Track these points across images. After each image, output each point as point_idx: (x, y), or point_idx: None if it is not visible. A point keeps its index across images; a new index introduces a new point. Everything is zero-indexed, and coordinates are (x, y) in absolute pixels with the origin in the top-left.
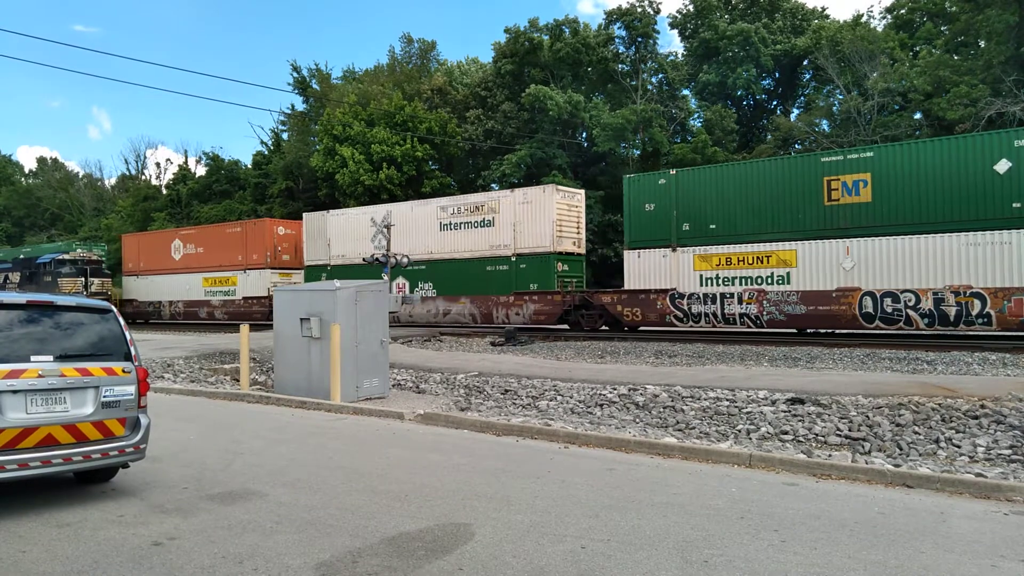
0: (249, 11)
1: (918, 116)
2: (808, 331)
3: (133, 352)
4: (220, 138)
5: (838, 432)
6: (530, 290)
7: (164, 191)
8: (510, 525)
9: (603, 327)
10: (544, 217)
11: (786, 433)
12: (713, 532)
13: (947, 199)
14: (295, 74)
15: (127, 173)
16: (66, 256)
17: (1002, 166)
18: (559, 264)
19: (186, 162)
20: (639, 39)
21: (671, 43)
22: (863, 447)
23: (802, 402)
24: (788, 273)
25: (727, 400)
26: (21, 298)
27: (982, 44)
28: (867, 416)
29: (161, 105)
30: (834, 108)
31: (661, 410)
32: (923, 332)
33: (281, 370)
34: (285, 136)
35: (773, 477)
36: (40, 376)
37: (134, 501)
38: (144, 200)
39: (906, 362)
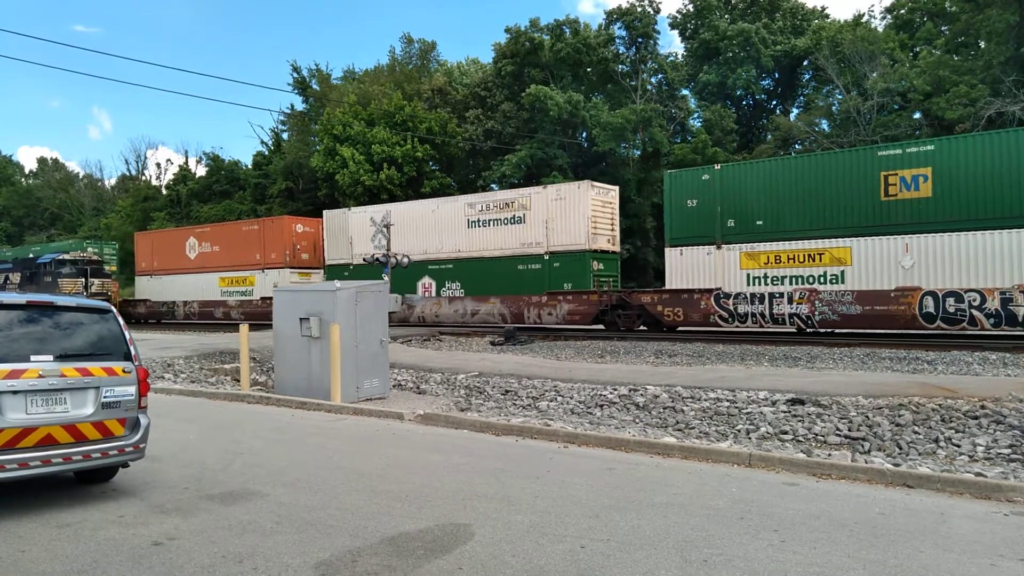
0: (249, 11)
1: (918, 116)
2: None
3: (133, 352)
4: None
5: (838, 432)
6: (564, 289)
7: (164, 191)
8: (510, 525)
9: (641, 327)
10: (578, 214)
11: (786, 433)
12: (713, 532)
13: (1016, 193)
14: (295, 74)
15: (127, 173)
16: (66, 256)
17: None
18: (594, 263)
19: (186, 162)
20: (639, 39)
21: (671, 43)
22: (863, 447)
23: (802, 402)
24: (842, 272)
25: (727, 400)
26: (21, 298)
27: (982, 44)
28: (867, 416)
29: (161, 105)
30: (834, 108)
31: (661, 410)
32: (923, 332)
33: (281, 370)
34: (285, 136)
35: (773, 477)
36: (40, 376)
37: (134, 501)
38: (144, 200)
39: (906, 362)
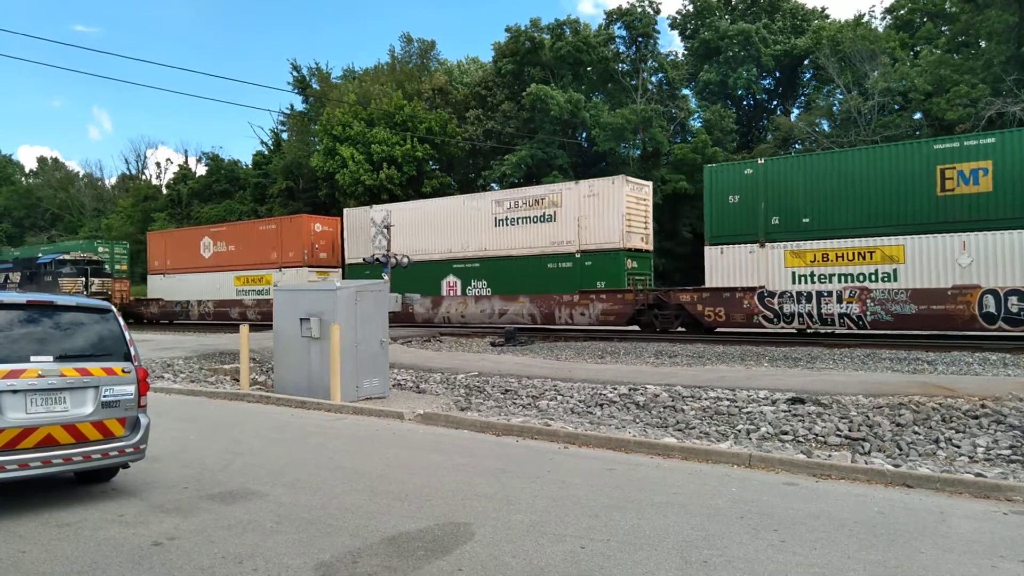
0: (249, 11)
1: (918, 116)
2: (806, 331)
3: (133, 352)
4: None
5: (838, 432)
6: (597, 288)
7: (164, 191)
8: (510, 525)
9: (679, 328)
10: (612, 211)
11: (786, 433)
12: (713, 532)
13: None
14: (295, 73)
15: (127, 173)
16: (66, 256)
17: None
18: (628, 261)
19: (186, 162)
20: (639, 39)
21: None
22: (863, 447)
23: (802, 402)
24: (895, 270)
25: (727, 400)
26: (21, 298)
27: (982, 44)
28: (867, 416)
29: (161, 105)
30: (834, 108)
31: (661, 410)
32: (923, 332)
33: (281, 370)
34: (285, 136)
35: (773, 477)
36: (40, 376)
37: (134, 501)
38: (144, 200)
39: (906, 362)
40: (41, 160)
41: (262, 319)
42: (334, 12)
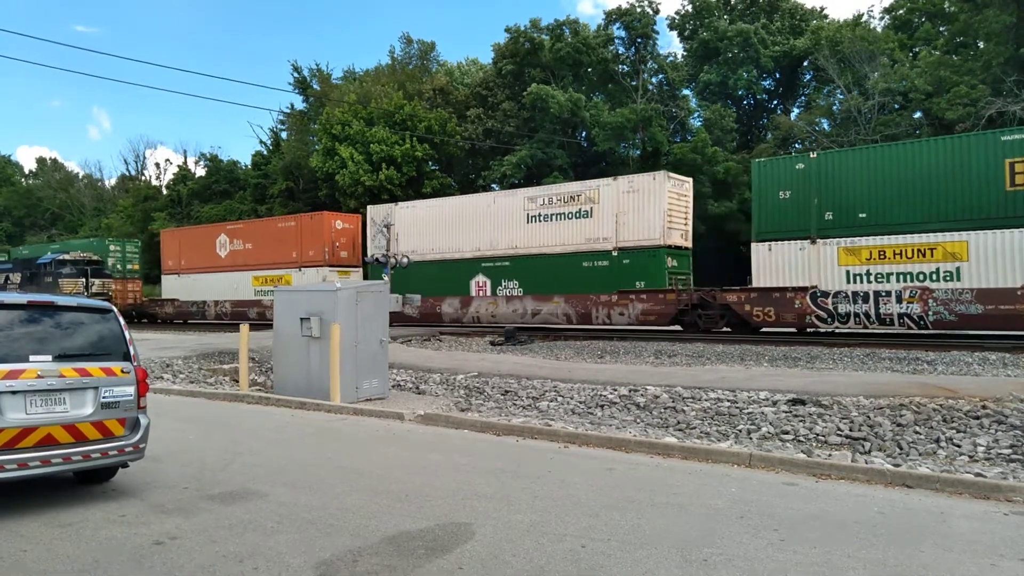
0: (249, 11)
1: (918, 116)
2: (808, 331)
3: (132, 352)
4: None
5: (839, 432)
6: (636, 288)
7: (164, 191)
8: (510, 525)
9: (725, 328)
10: (653, 207)
11: (786, 433)
12: (713, 531)
13: None
14: (296, 74)
15: (127, 173)
16: (66, 256)
17: None
18: (668, 259)
19: (186, 162)
20: (639, 39)
21: (671, 44)
22: (863, 447)
23: (803, 402)
24: (958, 268)
25: (728, 400)
26: (22, 298)
27: (981, 44)
28: (868, 416)
29: (161, 105)
30: (834, 108)
31: (662, 410)
32: (923, 332)
33: (281, 370)
34: (284, 136)
35: (773, 477)
36: (39, 376)
37: (134, 501)
38: (144, 200)
39: (906, 362)
40: (41, 160)
41: None
42: (334, 13)
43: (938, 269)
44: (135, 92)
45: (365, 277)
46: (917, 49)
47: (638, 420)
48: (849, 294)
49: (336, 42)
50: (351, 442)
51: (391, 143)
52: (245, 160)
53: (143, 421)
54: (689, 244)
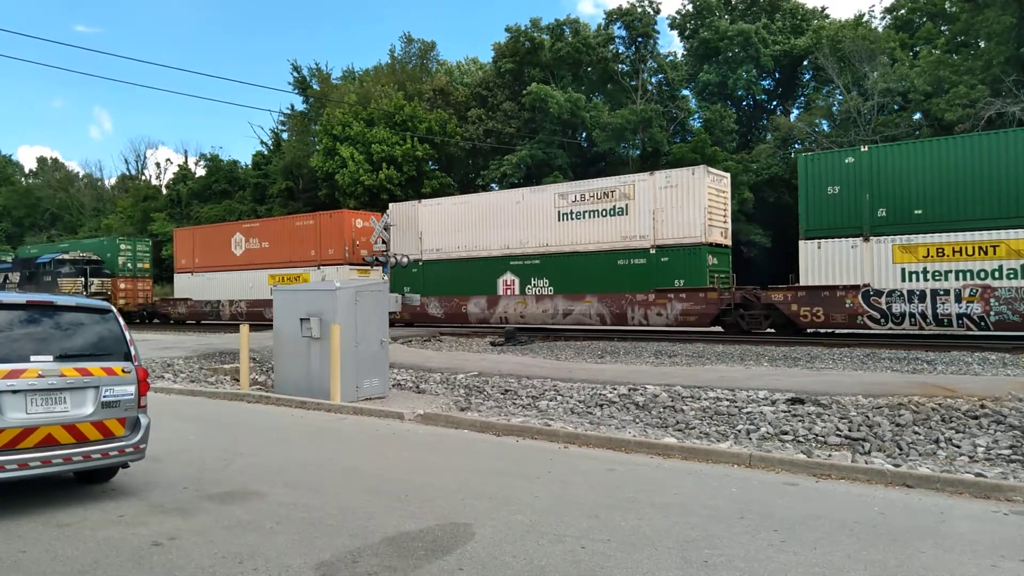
0: (249, 11)
1: (918, 116)
2: (808, 331)
3: (133, 352)
4: (220, 138)
5: (838, 432)
6: (675, 287)
7: (164, 191)
8: (510, 525)
9: (769, 329)
10: (693, 203)
11: (786, 433)
12: (713, 532)
13: None
14: (295, 74)
15: (127, 173)
16: (66, 256)
17: None
18: (709, 257)
19: (186, 162)
20: (639, 39)
21: (671, 43)
22: (863, 447)
23: (802, 402)
24: (1022, 265)
25: (727, 400)
26: (21, 298)
27: (982, 44)
28: (867, 416)
29: (161, 105)
30: (834, 108)
31: (661, 410)
32: (923, 332)
33: (281, 370)
34: (285, 136)
35: (773, 477)
36: (40, 376)
37: (134, 501)
38: (144, 200)
39: (906, 362)
40: (41, 160)
41: None
42: (334, 12)
43: (1001, 267)
44: (136, 92)
45: (392, 276)
46: (917, 49)
47: (637, 420)
48: (904, 293)
49: (336, 42)
50: (351, 442)
51: (392, 143)
52: (245, 160)
53: (143, 421)
54: (728, 242)
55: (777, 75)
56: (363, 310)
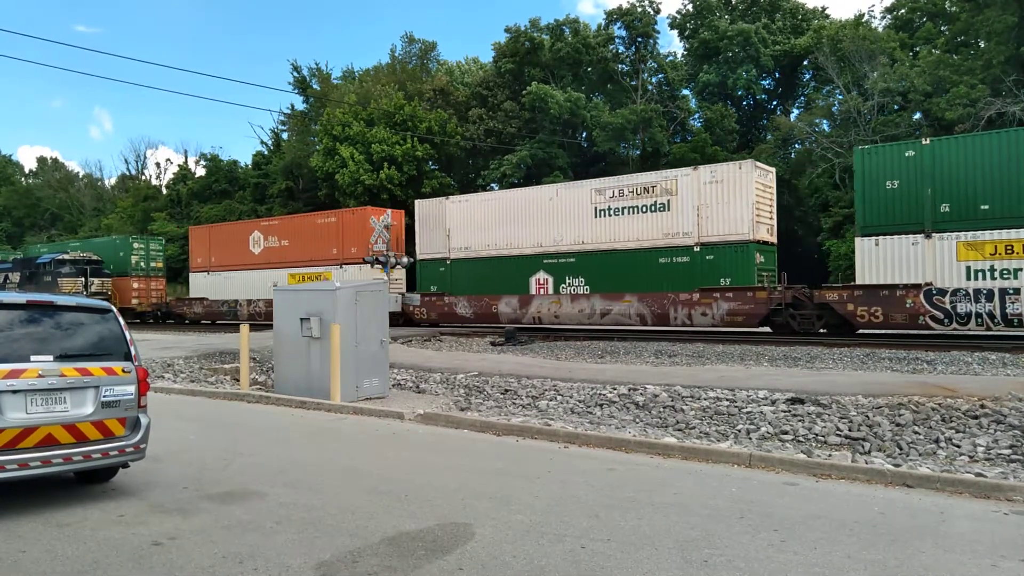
0: (249, 11)
1: (918, 116)
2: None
3: (133, 352)
4: (220, 138)
5: (838, 432)
6: (721, 286)
7: (164, 191)
8: (510, 525)
9: (822, 330)
10: (740, 199)
11: (786, 433)
12: (713, 532)
13: None
14: (295, 74)
15: (127, 173)
16: (66, 256)
17: None
18: (757, 255)
19: (185, 162)
20: (639, 39)
21: (671, 43)
22: (863, 447)
23: (802, 402)
24: None
25: (727, 400)
26: (21, 298)
27: (982, 44)
28: (867, 416)
29: (161, 105)
30: (834, 108)
31: (661, 410)
32: (923, 332)
33: (281, 370)
34: (285, 136)
35: (773, 477)
36: (40, 376)
37: (134, 501)
38: (144, 200)
39: (906, 362)
40: (41, 160)
41: None
42: (334, 12)
43: None
44: (136, 92)
45: (420, 274)
46: (918, 49)
47: (637, 419)
48: (970, 292)
49: (336, 42)
50: (351, 442)
51: (392, 143)
52: (246, 160)
53: (144, 421)
54: (775, 239)
55: (777, 75)
56: (363, 310)
